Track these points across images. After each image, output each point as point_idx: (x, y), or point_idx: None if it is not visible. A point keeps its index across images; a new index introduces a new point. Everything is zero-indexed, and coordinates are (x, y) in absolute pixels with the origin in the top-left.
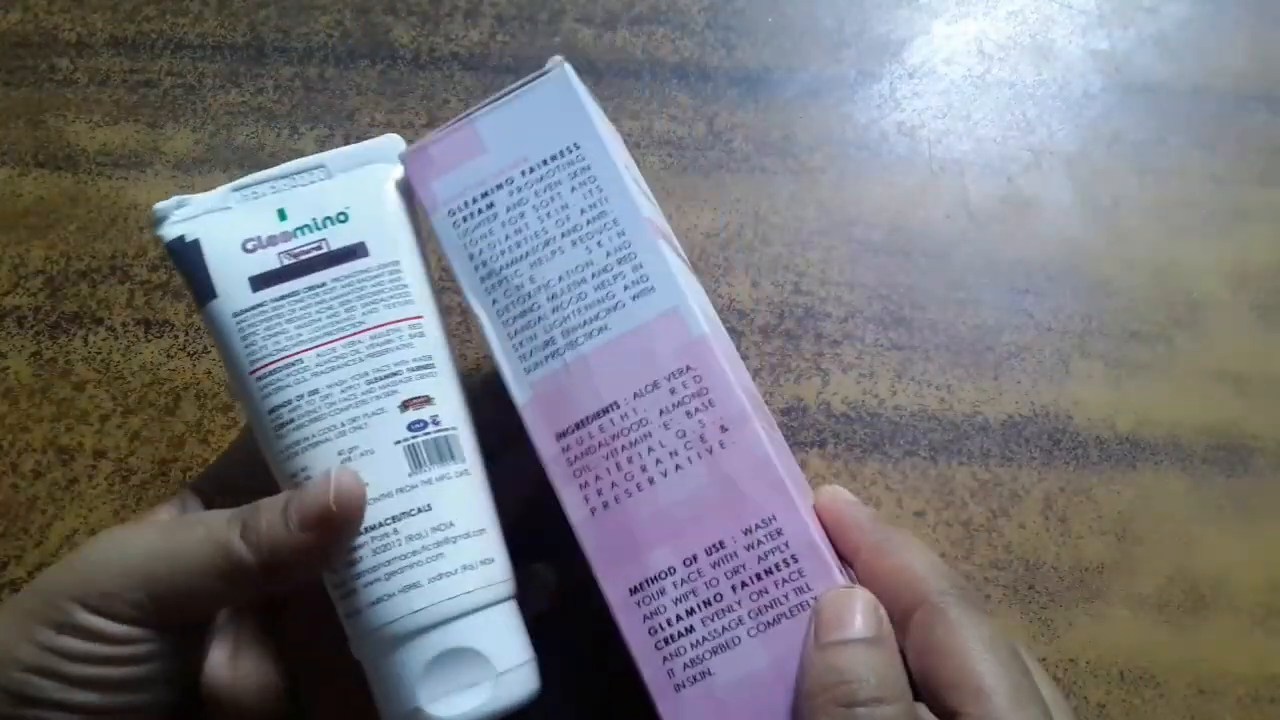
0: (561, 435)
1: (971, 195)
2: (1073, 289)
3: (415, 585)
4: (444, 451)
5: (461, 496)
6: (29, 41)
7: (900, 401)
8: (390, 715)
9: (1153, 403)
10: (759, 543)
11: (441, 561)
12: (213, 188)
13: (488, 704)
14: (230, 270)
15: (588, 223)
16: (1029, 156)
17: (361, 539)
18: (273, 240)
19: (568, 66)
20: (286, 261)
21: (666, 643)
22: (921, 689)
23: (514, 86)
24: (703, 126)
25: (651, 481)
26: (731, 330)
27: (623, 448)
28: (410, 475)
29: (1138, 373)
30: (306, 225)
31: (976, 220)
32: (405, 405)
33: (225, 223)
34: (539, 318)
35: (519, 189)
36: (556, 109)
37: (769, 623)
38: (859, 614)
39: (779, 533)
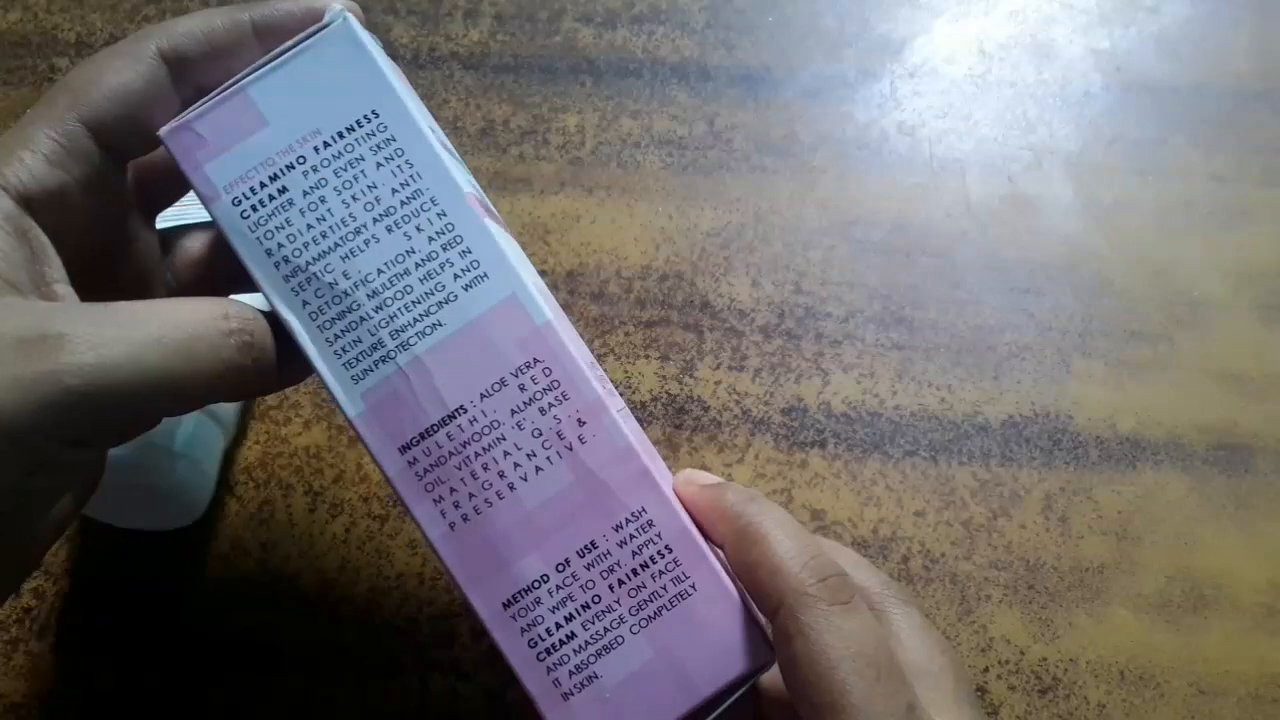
0: (405, 448)
1: (972, 194)
2: (1073, 288)
3: None
4: None
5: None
6: (28, 41)
7: (901, 401)
8: None
9: (1153, 403)
10: (631, 537)
11: None
12: None
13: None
14: None
15: (401, 204)
16: (1030, 156)
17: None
18: None
19: (350, 17)
20: None
21: (548, 652)
22: (796, 705)
23: (289, 45)
24: (703, 126)
25: (512, 488)
26: (731, 330)
27: (476, 455)
28: None
29: (1139, 373)
30: None
31: (977, 220)
32: None
33: None
34: (361, 318)
35: (314, 169)
36: (344, 69)
37: (650, 616)
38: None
39: (650, 524)
